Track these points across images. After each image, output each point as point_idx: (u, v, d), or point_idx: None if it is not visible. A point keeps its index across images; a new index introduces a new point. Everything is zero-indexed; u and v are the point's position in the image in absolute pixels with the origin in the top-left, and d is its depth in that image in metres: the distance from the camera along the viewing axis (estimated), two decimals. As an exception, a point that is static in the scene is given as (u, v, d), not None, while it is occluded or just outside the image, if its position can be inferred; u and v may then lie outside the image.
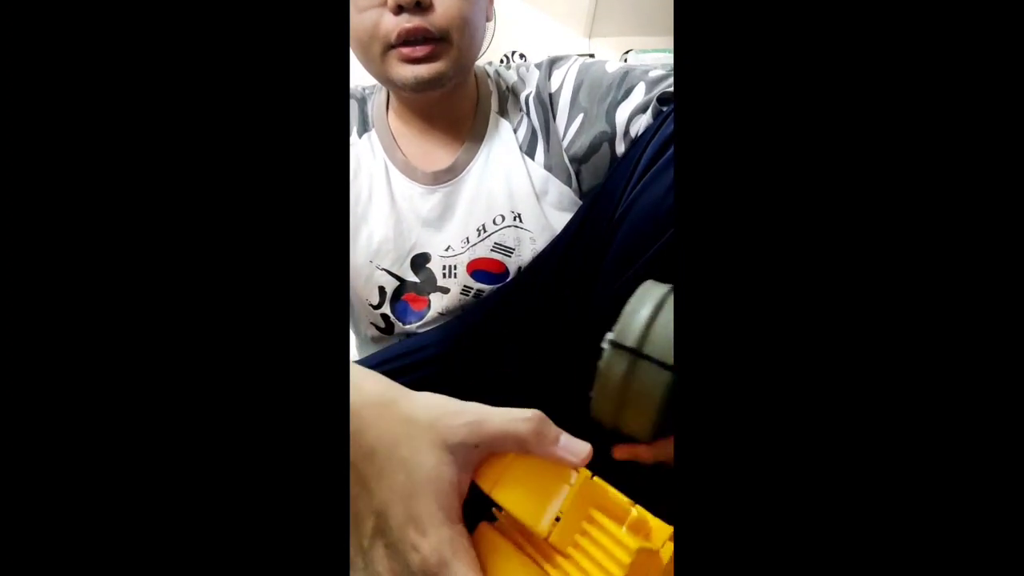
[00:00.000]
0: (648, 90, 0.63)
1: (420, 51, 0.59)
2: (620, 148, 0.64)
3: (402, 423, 0.32)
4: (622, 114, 0.63)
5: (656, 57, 1.58)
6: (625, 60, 1.60)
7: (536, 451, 0.31)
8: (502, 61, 1.65)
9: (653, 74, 0.64)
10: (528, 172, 0.66)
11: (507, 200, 0.66)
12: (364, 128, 0.71)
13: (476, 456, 0.32)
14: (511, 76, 0.71)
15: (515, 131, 0.68)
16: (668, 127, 0.56)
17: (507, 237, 0.66)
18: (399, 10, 0.57)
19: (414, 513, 0.30)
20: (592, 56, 1.64)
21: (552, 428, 0.32)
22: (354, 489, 0.32)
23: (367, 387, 0.35)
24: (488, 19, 0.67)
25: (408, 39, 0.59)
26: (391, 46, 0.59)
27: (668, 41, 1.61)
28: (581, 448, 0.32)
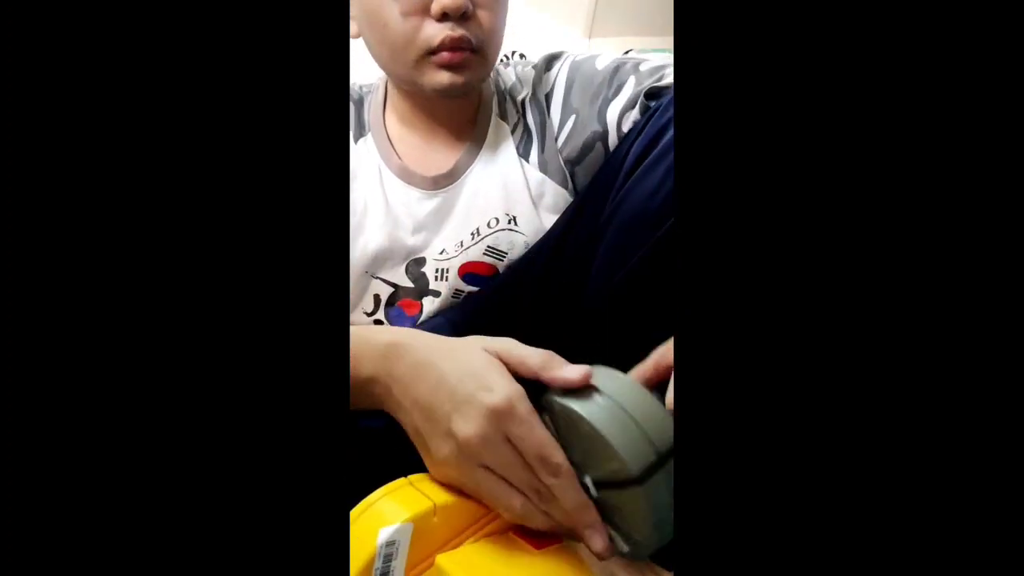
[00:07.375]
0: (637, 83, 0.62)
1: (459, 56, 0.59)
2: (613, 146, 0.63)
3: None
4: (613, 112, 0.62)
5: (656, 57, 1.58)
6: (625, 60, 1.59)
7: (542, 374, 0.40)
8: (502, 61, 1.65)
9: (643, 67, 0.63)
10: (524, 174, 0.66)
11: (503, 203, 0.66)
12: (360, 132, 0.70)
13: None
14: (509, 77, 0.71)
15: (512, 133, 0.67)
16: (655, 123, 0.55)
17: (500, 240, 0.66)
18: (444, 18, 0.58)
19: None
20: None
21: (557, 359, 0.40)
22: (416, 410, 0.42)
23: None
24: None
25: (451, 48, 0.59)
26: (430, 52, 0.59)
27: (668, 41, 1.61)
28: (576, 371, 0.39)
